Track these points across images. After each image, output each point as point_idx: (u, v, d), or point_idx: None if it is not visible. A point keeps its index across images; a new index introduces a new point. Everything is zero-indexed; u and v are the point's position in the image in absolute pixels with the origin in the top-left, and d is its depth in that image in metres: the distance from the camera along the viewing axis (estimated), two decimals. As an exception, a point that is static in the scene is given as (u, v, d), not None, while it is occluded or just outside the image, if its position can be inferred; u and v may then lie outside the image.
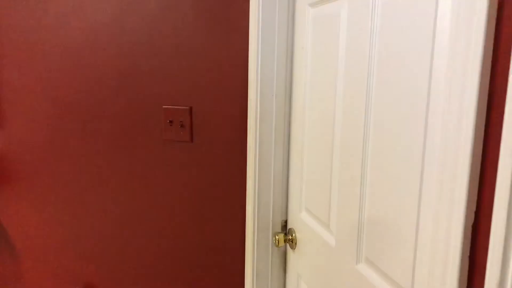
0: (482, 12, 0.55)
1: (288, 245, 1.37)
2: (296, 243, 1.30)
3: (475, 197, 0.60)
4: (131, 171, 1.58)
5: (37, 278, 1.90)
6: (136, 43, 1.47)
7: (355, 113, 0.93)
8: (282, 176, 1.34)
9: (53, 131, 1.69)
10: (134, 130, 1.53)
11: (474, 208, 0.60)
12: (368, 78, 0.89)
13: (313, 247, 1.18)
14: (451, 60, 0.62)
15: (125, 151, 1.57)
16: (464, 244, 0.61)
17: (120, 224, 1.65)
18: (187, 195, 1.50)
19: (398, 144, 0.80)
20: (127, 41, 1.48)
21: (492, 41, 0.56)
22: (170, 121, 1.45)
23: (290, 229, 1.33)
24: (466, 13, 0.58)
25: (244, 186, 1.37)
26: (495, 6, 0.55)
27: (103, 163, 1.63)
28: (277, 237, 1.33)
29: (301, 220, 1.25)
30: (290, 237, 1.32)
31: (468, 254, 0.61)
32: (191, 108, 1.42)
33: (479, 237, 0.59)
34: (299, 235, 1.28)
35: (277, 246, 1.34)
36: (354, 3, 0.93)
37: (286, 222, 1.38)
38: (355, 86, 0.93)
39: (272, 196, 1.33)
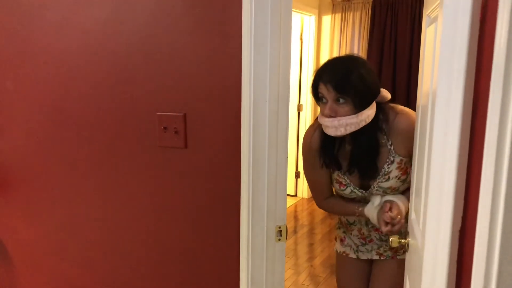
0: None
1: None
2: None
3: (462, 203, 0.61)
4: (125, 178, 1.58)
5: (31, 285, 1.89)
6: (130, 50, 1.47)
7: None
8: (276, 182, 1.34)
9: (47, 138, 1.69)
10: (128, 137, 1.54)
11: (461, 213, 0.61)
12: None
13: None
14: None
15: (119, 157, 1.57)
16: (452, 248, 0.62)
17: (115, 231, 1.65)
18: (182, 200, 1.50)
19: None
20: (121, 48, 1.49)
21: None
22: (165, 128, 1.46)
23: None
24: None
25: (239, 192, 1.38)
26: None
27: (97, 170, 1.63)
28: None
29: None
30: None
31: (456, 257, 0.62)
32: (185, 115, 1.43)
33: (466, 242, 0.60)
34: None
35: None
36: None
37: (280, 228, 1.38)
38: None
39: (266, 201, 1.34)
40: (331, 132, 1.35)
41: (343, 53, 4.60)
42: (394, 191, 1.46)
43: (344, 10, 4.56)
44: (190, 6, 1.36)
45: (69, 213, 1.72)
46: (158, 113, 1.46)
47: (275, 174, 1.33)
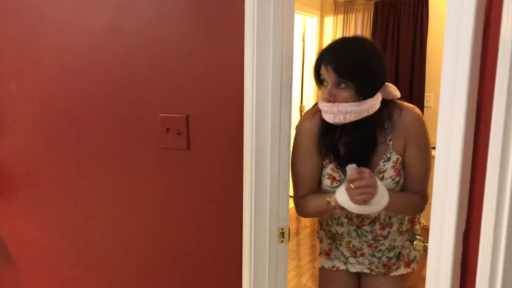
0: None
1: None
2: None
3: (466, 205, 0.61)
4: (128, 179, 1.58)
5: (34, 285, 1.89)
6: (133, 51, 1.47)
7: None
8: (278, 183, 1.34)
9: (49, 139, 1.70)
10: (131, 138, 1.54)
11: (465, 216, 0.61)
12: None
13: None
14: None
15: (122, 159, 1.57)
16: (456, 251, 0.61)
17: (117, 232, 1.65)
18: (184, 202, 1.50)
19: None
20: (123, 50, 1.49)
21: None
22: (167, 129, 1.46)
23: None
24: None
25: (241, 194, 1.37)
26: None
27: (100, 171, 1.63)
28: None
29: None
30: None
31: (460, 261, 0.62)
32: (187, 116, 1.43)
33: (470, 244, 0.60)
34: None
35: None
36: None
37: (283, 229, 1.38)
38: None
39: (268, 203, 1.33)
40: (329, 118, 1.24)
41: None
42: None
43: (346, 11, 4.56)
44: (193, 8, 1.36)
45: (72, 213, 1.72)
46: (160, 114, 1.46)
47: (278, 175, 1.33)
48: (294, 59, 1.34)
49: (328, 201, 1.29)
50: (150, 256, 1.60)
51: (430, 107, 4.26)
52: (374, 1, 4.37)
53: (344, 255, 1.50)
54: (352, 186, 1.17)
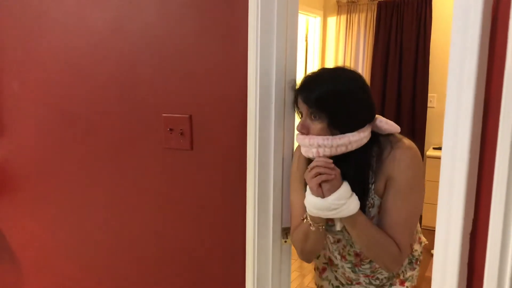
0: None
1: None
2: None
3: (473, 206, 0.60)
4: (131, 179, 1.58)
5: (37, 285, 1.89)
6: (136, 51, 1.47)
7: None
8: (282, 183, 1.34)
9: (53, 139, 1.70)
10: (134, 138, 1.54)
11: (472, 216, 0.60)
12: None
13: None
14: None
15: (125, 158, 1.57)
16: (462, 251, 0.61)
17: (120, 231, 1.65)
18: (188, 202, 1.50)
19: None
20: (127, 49, 1.49)
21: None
22: (170, 129, 1.45)
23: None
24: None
25: (244, 194, 1.37)
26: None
27: (103, 171, 1.63)
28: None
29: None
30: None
31: (466, 261, 0.61)
32: (191, 116, 1.43)
33: (477, 245, 0.59)
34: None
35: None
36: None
37: (286, 230, 1.37)
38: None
39: (272, 203, 1.33)
40: (303, 151, 1.14)
41: (348, 55, 4.58)
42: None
43: (349, 11, 4.55)
44: (196, 8, 1.36)
45: (75, 213, 1.73)
46: (164, 114, 1.46)
47: (281, 175, 1.33)
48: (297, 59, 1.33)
49: (303, 218, 1.16)
50: (153, 255, 1.60)
51: (433, 107, 4.24)
52: (377, 1, 4.36)
53: (338, 280, 1.39)
54: (308, 169, 1.08)
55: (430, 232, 4.04)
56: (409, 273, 1.35)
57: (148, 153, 1.52)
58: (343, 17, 4.58)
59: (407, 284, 1.35)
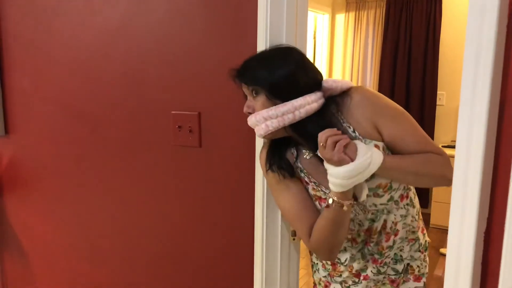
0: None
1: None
2: None
3: (487, 204, 0.59)
4: (140, 177, 1.58)
5: (47, 282, 1.91)
6: (145, 49, 1.47)
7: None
8: (291, 181, 1.33)
9: (61, 137, 1.71)
10: (143, 136, 1.54)
11: (486, 214, 0.60)
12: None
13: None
14: None
15: (134, 156, 1.57)
16: (476, 250, 0.60)
17: (129, 229, 1.65)
18: (196, 200, 1.50)
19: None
20: (135, 47, 1.49)
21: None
22: (179, 127, 1.45)
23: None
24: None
25: (253, 191, 1.37)
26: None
27: (112, 169, 1.63)
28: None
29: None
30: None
31: (480, 261, 0.60)
32: (199, 113, 1.43)
33: (491, 244, 0.58)
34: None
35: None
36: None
37: (295, 227, 1.37)
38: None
39: (281, 201, 1.32)
40: (257, 132, 1.12)
41: (356, 52, 4.56)
42: (386, 193, 1.11)
43: (358, 8, 4.52)
44: (205, 5, 1.35)
45: (84, 210, 1.74)
46: (172, 112, 1.46)
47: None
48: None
49: (328, 204, 1.08)
50: (161, 252, 1.61)
51: (442, 105, 4.21)
52: (386, -2, 4.33)
53: (345, 282, 1.29)
54: (320, 144, 1.02)
55: (438, 231, 4.01)
56: (423, 270, 1.31)
57: (157, 151, 1.52)
58: (352, 14, 4.55)
59: (423, 279, 1.30)
